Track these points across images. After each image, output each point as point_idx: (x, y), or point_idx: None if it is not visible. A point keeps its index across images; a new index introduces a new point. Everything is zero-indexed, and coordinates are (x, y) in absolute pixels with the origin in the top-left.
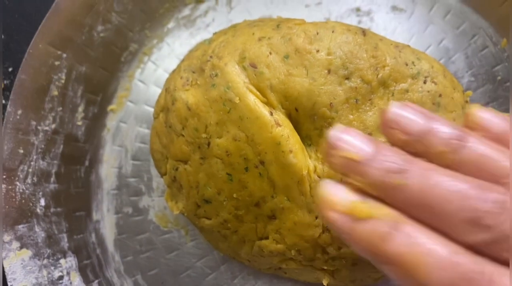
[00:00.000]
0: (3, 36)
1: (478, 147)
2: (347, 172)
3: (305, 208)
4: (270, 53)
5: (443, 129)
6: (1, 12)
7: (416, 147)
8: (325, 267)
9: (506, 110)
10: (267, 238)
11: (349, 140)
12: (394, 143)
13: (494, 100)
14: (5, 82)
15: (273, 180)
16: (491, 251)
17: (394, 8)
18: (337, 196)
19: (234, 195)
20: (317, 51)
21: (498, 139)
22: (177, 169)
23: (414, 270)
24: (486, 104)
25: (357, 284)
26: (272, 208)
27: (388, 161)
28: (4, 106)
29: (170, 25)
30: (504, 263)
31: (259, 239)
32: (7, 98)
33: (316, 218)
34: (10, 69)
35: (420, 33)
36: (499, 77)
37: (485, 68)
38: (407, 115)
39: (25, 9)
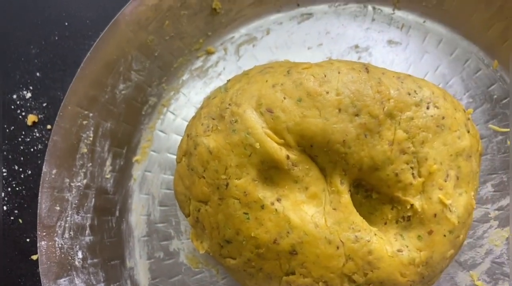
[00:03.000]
0: (38, 74)
1: None
2: None
3: (324, 240)
4: (284, 98)
5: None
6: (36, 51)
7: None
8: None
9: (506, 126)
10: (293, 273)
11: None
12: None
13: (493, 117)
14: (39, 116)
15: (288, 216)
16: None
17: (390, 42)
18: None
19: (252, 234)
20: (327, 92)
21: None
22: (199, 210)
23: None
24: (486, 122)
25: None
26: (291, 243)
27: None
28: (38, 139)
29: (185, 77)
30: None
31: (285, 275)
32: (40, 131)
33: (338, 248)
34: (44, 105)
35: (417, 62)
36: (495, 96)
37: (481, 89)
38: None
39: (60, 49)
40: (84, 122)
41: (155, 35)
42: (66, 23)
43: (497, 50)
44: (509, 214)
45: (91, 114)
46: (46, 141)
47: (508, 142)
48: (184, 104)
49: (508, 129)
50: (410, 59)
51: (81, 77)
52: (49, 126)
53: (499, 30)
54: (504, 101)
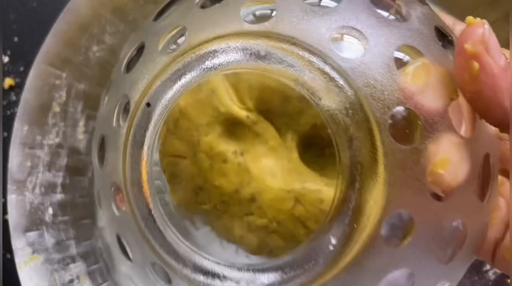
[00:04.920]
0: (16, 39)
1: None
2: None
3: (279, 190)
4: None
5: None
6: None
7: None
8: None
9: None
10: (252, 214)
11: None
12: None
13: None
14: (16, 80)
15: (248, 168)
16: None
17: None
18: None
19: (216, 183)
20: None
21: None
22: (177, 165)
23: None
24: None
25: None
26: (250, 192)
27: None
28: (15, 103)
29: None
30: None
31: (245, 215)
32: (17, 94)
33: (288, 192)
34: (21, 69)
35: None
36: None
37: None
38: None
39: (38, 15)
40: (57, 82)
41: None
42: None
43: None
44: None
45: (64, 75)
46: None
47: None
48: None
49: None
50: None
51: (54, 37)
52: None
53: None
54: None
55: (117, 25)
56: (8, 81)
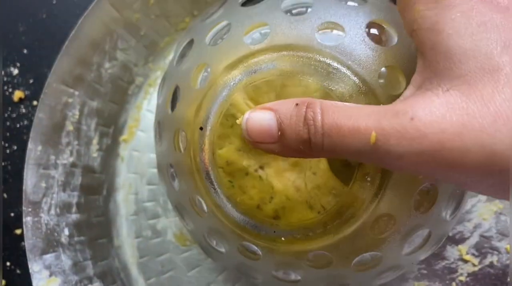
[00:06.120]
0: (25, 51)
1: None
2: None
3: (305, 204)
4: None
5: None
6: (24, 28)
7: None
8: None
9: None
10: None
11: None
12: None
13: None
14: (26, 92)
15: (271, 182)
16: None
17: None
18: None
19: (238, 200)
20: None
21: None
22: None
23: None
24: None
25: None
26: (273, 209)
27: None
28: (24, 115)
29: (171, 56)
30: None
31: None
32: (27, 107)
33: (319, 213)
34: (31, 81)
35: None
36: None
37: None
38: None
39: (47, 27)
40: (70, 100)
41: (141, 14)
42: (54, 2)
43: None
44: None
45: (76, 93)
46: (32, 118)
47: None
48: None
49: None
50: None
51: (66, 55)
52: (35, 103)
53: None
54: None
55: (128, 41)
56: (18, 94)
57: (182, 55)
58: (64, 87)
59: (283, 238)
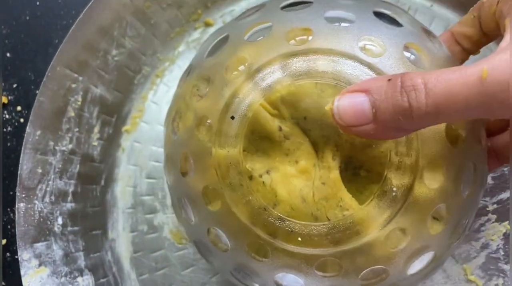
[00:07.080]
0: (8, 55)
1: None
2: None
3: (310, 216)
4: None
5: None
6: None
7: None
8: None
9: None
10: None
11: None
12: None
13: None
14: (9, 98)
15: (275, 188)
16: None
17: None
18: None
19: (243, 200)
20: None
21: None
22: None
23: None
24: None
25: None
26: (277, 217)
27: None
28: (8, 121)
29: (181, 48)
30: None
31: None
32: (10, 113)
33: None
34: (14, 86)
35: None
36: None
37: None
38: None
39: (31, 29)
40: (73, 85)
41: (152, 2)
42: (38, 3)
43: None
44: (509, 207)
45: (80, 78)
46: (16, 123)
47: None
48: (179, 76)
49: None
50: None
51: (72, 39)
52: (19, 108)
53: None
54: None
55: (138, 29)
56: (1, 99)
57: (216, 48)
58: (68, 72)
59: (299, 239)
